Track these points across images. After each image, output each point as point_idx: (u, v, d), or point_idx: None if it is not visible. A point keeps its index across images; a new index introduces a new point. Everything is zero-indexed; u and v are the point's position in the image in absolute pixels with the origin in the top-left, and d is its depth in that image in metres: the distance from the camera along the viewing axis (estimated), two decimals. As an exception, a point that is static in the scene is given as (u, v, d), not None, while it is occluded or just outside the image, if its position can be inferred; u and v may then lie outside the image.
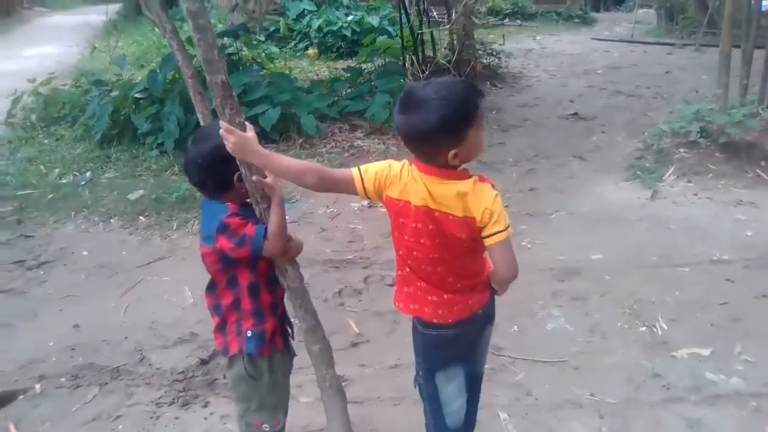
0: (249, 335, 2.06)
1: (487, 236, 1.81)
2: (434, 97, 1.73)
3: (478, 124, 1.80)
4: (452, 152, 1.77)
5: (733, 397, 2.83)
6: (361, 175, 1.88)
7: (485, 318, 2.06)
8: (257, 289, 2.06)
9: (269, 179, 1.98)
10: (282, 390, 2.23)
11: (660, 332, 3.33)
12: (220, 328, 2.12)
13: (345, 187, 1.92)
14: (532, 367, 3.08)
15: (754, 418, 2.71)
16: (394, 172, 1.87)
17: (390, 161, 1.91)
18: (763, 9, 7.05)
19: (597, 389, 2.90)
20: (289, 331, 2.22)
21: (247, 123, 1.97)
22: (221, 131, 1.87)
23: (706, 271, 3.96)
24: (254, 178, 1.97)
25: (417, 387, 2.20)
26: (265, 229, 1.94)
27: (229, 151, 1.86)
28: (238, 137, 1.84)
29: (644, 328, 3.37)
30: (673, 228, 4.57)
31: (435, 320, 1.97)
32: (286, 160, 1.92)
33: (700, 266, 4.02)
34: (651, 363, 3.09)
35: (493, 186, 1.84)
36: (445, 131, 1.74)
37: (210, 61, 1.96)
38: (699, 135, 5.77)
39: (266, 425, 2.17)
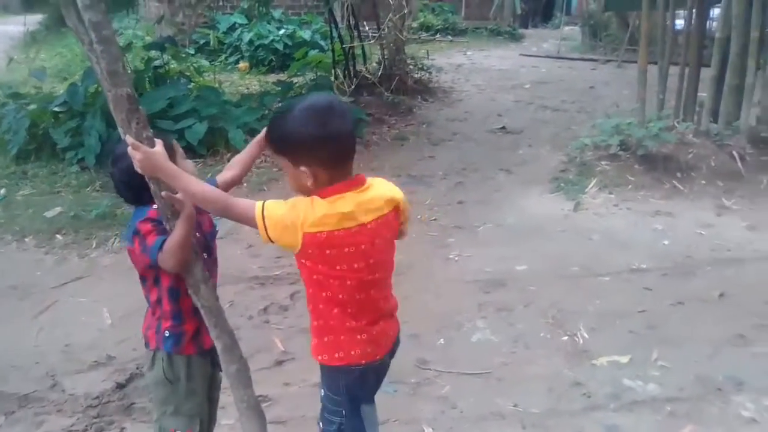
0: (167, 335, 2.06)
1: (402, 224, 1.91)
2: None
3: None
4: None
5: (650, 403, 2.91)
6: (263, 216, 1.69)
7: None
8: (177, 292, 2.03)
9: (179, 194, 1.91)
10: (200, 399, 2.17)
11: (581, 341, 3.40)
12: (147, 319, 2.13)
13: (249, 223, 1.74)
14: (457, 380, 3.09)
15: (669, 421, 2.79)
16: (307, 208, 1.69)
17: (294, 200, 1.73)
18: (677, 28, 7.39)
19: (520, 400, 2.92)
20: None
21: (156, 139, 1.89)
22: (128, 148, 1.80)
23: (626, 280, 4.09)
24: (163, 193, 1.91)
25: (324, 427, 1.97)
26: (164, 241, 1.88)
27: (136, 168, 1.79)
28: (144, 153, 1.77)
29: (566, 338, 3.44)
30: (595, 239, 4.70)
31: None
32: (194, 184, 1.79)
33: (620, 275, 4.15)
34: (572, 372, 3.15)
35: None
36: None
37: (114, 73, 1.89)
38: (619, 148, 5.98)
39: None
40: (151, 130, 1.95)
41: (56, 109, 6.65)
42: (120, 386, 3.05)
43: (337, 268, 1.72)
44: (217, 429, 2.65)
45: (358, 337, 1.80)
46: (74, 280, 4.15)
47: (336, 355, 1.81)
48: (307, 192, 1.72)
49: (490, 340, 3.44)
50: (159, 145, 1.83)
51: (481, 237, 4.78)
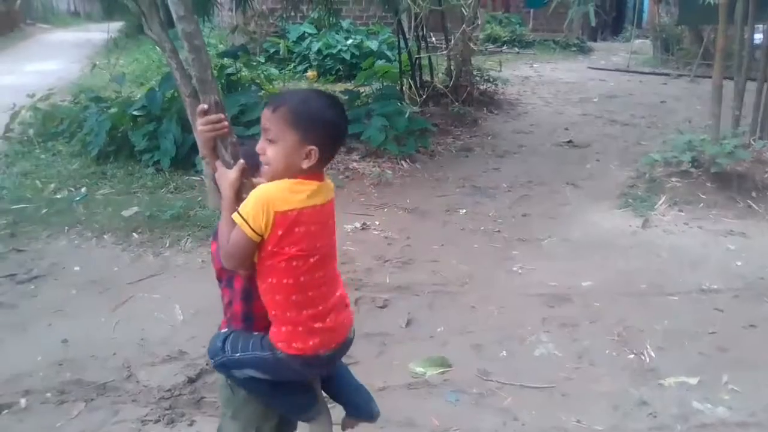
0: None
1: None
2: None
3: None
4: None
5: (719, 427, 2.84)
6: (241, 215, 1.72)
7: None
8: (250, 294, 2.01)
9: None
10: (259, 407, 2.13)
11: (648, 360, 3.34)
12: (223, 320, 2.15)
13: (239, 239, 1.75)
14: (519, 393, 3.08)
15: (739, 448, 2.71)
16: (275, 190, 1.76)
17: (256, 190, 1.77)
18: (756, 42, 7.15)
19: (584, 416, 2.90)
20: None
21: (240, 162, 1.91)
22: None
23: (696, 300, 3.99)
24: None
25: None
26: None
27: (215, 174, 1.90)
28: (221, 170, 1.88)
29: (632, 356, 3.38)
30: (664, 256, 4.60)
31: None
32: (225, 223, 1.82)
33: (690, 295, 4.05)
34: (638, 391, 3.09)
35: None
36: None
37: (204, 81, 1.98)
38: (691, 165, 5.83)
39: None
40: (236, 136, 2.05)
41: (135, 112, 6.94)
42: (191, 381, 3.17)
43: (303, 246, 1.77)
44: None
45: (316, 325, 1.84)
46: (149, 277, 4.33)
47: (294, 345, 1.84)
48: (290, 173, 1.77)
49: (554, 355, 3.41)
50: (236, 170, 1.87)
51: (546, 250, 4.74)
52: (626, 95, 11.11)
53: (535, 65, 14.88)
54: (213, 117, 1.88)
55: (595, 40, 20.21)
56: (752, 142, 5.98)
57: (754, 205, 5.41)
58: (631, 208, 5.49)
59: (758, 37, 7.11)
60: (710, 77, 6.52)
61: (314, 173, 1.81)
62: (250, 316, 2.05)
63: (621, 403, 3.00)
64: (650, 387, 3.13)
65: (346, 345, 2.00)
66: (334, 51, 12.55)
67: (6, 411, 2.97)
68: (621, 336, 3.56)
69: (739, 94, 6.22)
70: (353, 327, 2.02)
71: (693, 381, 3.16)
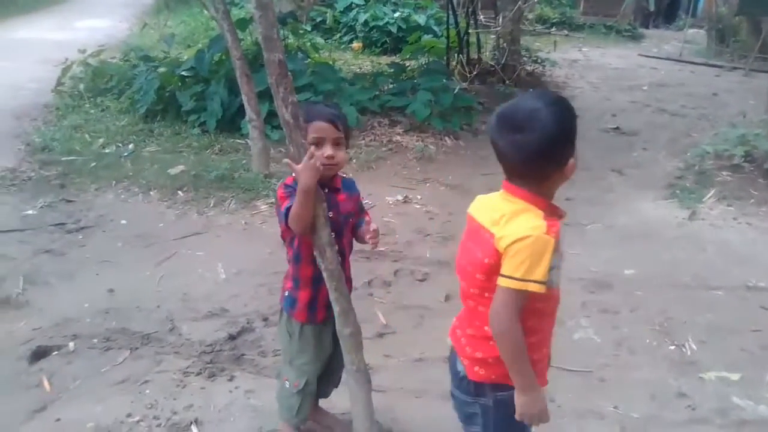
0: (286, 295, 2.27)
1: (501, 275, 1.60)
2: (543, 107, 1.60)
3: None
4: (572, 160, 1.64)
5: (760, 424, 2.80)
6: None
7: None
8: (299, 257, 2.19)
9: (298, 166, 2.00)
10: (310, 359, 2.31)
11: (689, 352, 3.29)
12: None
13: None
14: (556, 375, 3.03)
15: (779, 446, 2.67)
16: None
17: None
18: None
19: (621, 402, 2.88)
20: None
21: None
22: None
23: (741, 297, 3.91)
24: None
25: None
26: (289, 207, 2.02)
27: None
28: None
29: (673, 347, 3.34)
30: (710, 250, 4.51)
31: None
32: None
33: (735, 291, 3.97)
34: (677, 382, 3.06)
35: (553, 232, 1.57)
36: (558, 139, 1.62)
37: (269, 38, 1.99)
38: (743, 159, 5.68)
39: (288, 382, 2.33)
40: (295, 96, 2.06)
41: (183, 73, 7.01)
42: (232, 337, 3.23)
43: None
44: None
45: None
46: (193, 235, 4.40)
47: None
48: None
49: (593, 340, 3.39)
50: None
51: (589, 236, 4.68)
52: (677, 85, 10.82)
53: (584, 49, 14.56)
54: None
55: (647, 27, 19.66)
56: (809, 140, 5.80)
57: (807, 204, 5.26)
58: (678, 200, 5.38)
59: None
60: (767, 72, 6.31)
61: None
62: (297, 280, 2.23)
63: (659, 393, 2.97)
64: (690, 379, 3.09)
65: None
66: (381, 23, 12.45)
67: (56, 353, 3.07)
68: (662, 326, 3.52)
69: (799, 90, 6.03)
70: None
71: (734, 377, 3.11)
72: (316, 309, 2.24)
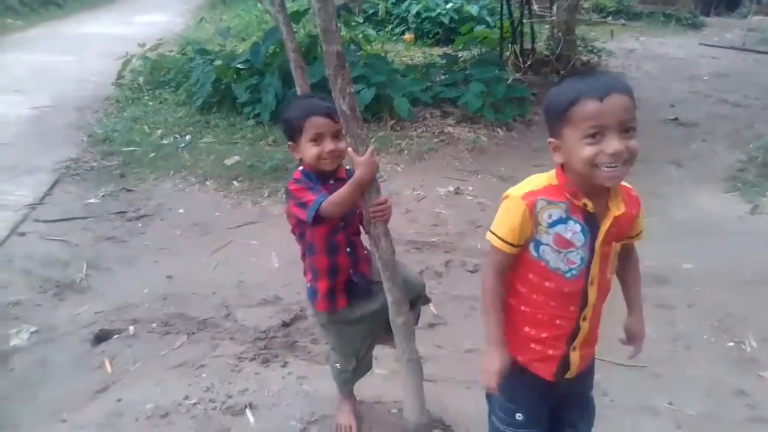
0: (308, 286, 2.30)
1: None
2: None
3: (575, 126, 1.54)
4: (549, 139, 1.66)
5: (823, 425, 2.70)
6: None
7: None
8: (313, 249, 2.23)
9: (359, 158, 2.06)
10: (348, 341, 2.39)
11: (749, 350, 3.19)
12: None
13: None
14: (610, 369, 3.01)
15: (843, 450, 2.58)
16: None
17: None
18: None
19: (676, 399, 2.82)
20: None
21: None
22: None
23: (804, 294, 3.76)
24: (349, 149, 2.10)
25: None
26: (325, 198, 2.05)
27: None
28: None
29: (732, 344, 3.25)
30: (773, 245, 4.36)
31: None
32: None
33: (798, 288, 3.82)
34: (736, 380, 2.97)
35: (529, 200, 1.62)
36: (544, 114, 1.68)
37: (328, 30, 2.01)
38: (810, 152, 5.46)
39: (338, 365, 2.43)
40: (353, 87, 2.08)
41: (239, 66, 7.13)
42: (285, 324, 3.30)
43: None
44: (371, 378, 2.82)
45: None
46: (248, 224, 4.50)
47: None
48: None
49: (649, 336, 3.26)
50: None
51: (646, 229, 4.57)
52: (739, 75, 10.43)
53: (641, 38, 14.16)
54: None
55: (707, 15, 18.99)
56: None
57: None
58: (740, 193, 5.21)
59: None
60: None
61: None
62: (314, 271, 2.26)
63: (716, 390, 2.90)
64: (749, 377, 3.00)
65: None
66: (433, 14, 12.38)
67: (117, 336, 3.19)
68: (721, 323, 3.42)
69: None
70: None
71: (796, 375, 3.01)
72: (336, 297, 2.28)
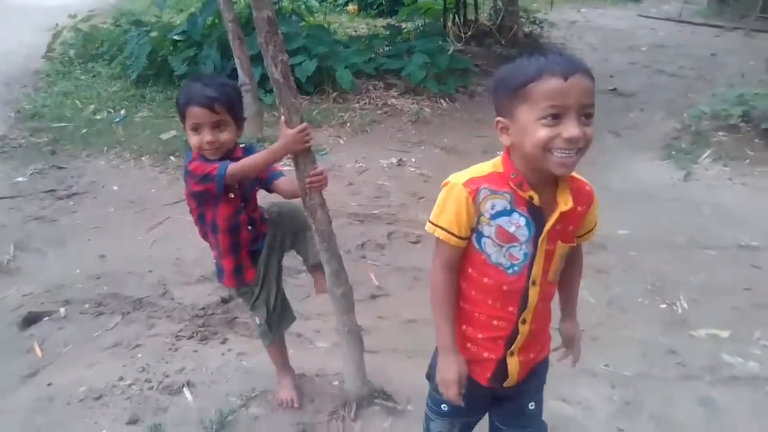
0: (215, 263, 2.33)
1: None
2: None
3: (533, 104, 1.40)
4: (497, 119, 1.50)
5: (749, 380, 2.81)
6: None
7: None
8: (216, 229, 2.24)
9: (287, 130, 2.02)
10: (261, 300, 2.37)
11: (680, 311, 3.30)
12: None
13: None
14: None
15: (767, 401, 2.69)
16: None
17: None
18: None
19: (612, 360, 2.89)
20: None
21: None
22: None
23: (733, 256, 3.90)
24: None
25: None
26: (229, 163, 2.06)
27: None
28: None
29: (665, 306, 3.35)
30: (705, 211, 4.49)
31: None
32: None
33: (728, 251, 3.96)
34: (668, 340, 3.07)
35: (471, 187, 1.49)
36: (493, 91, 1.52)
37: (257, -5, 1.94)
38: (740, 119, 5.63)
39: (258, 320, 2.44)
40: (286, 54, 2.02)
41: (175, 37, 6.91)
42: (224, 301, 3.24)
43: None
44: (311, 350, 2.79)
45: None
46: (185, 200, 4.37)
47: None
48: None
49: (586, 300, 3.38)
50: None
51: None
52: (676, 46, 10.67)
53: (582, 10, 14.33)
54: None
55: (647, -13, 19.37)
56: (808, 99, 5.74)
57: (803, 164, 5.23)
58: (674, 160, 5.36)
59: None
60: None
61: None
62: (218, 249, 2.29)
63: (650, 350, 2.99)
64: (680, 337, 3.10)
65: None
66: (377, -15, 12.25)
67: (47, 318, 3.08)
68: (654, 286, 3.53)
69: (799, 49, 5.95)
70: None
71: (724, 334, 3.12)
72: (243, 272, 2.31)
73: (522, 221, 1.50)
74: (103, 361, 2.79)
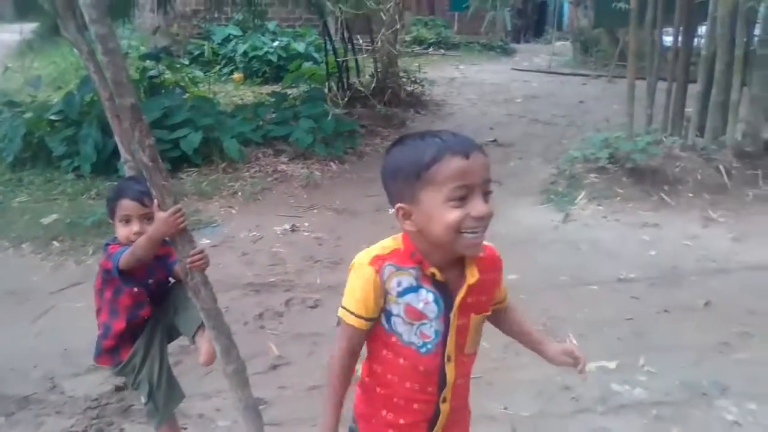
0: (96, 342, 2.41)
1: None
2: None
3: (439, 187, 1.37)
4: (398, 205, 1.46)
5: (637, 407, 2.99)
6: None
7: None
8: (116, 312, 2.34)
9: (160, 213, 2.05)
10: (137, 371, 2.39)
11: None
12: None
13: None
14: (448, 384, 3.15)
15: (655, 425, 2.86)
16: None
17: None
18: (665, 45, 7.53)
19: (510, 403, 3.00)
20: None
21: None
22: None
23: (614, 290, 4.17)
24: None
25: None
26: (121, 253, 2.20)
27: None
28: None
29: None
30: (584, 249, 4.79)
31: None
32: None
33: (608, 285, 4.23)
34: (561, 377, 3.20)
35: (377, 264, 1.46)
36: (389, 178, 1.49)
37: (119, 83, 1.96)
38: (608, 161, 6.09)
39: (143, 398, 2.44)
40: (153, 139, 2.04)
41: (52, 117, 6.72)
42: (118, 389, 3.10)
43: None
44: (214, 431, 2.73)
45: None
46: (71, 286, 4.20)
47: None
48: None
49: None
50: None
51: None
52: (548, 95, 11.47)
53: (460, 66, 15.16)
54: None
55: (518, 42, 20.77)
56: (663, 139, 6.28)
57: (666, 197, 5.69)
58: (553, 204, 5.70)
59: (668, 39, 7.46)
60: (626, 78, 6.83)
61: None
62: (109, 327, 2.38)
63: (545, 389, 3.11)
64: (573, 373, 3.23)
65: None
66: (261, 53, 12.45)
67: None
68: (545, 326, 3.69)
69: (651, 94, 6.54)
70: None
71: (612, 365, 3.31)
72: (119, 351, 2.38)
73: (430, 297, 1.47)
74: (-15, 470, 2.60)
